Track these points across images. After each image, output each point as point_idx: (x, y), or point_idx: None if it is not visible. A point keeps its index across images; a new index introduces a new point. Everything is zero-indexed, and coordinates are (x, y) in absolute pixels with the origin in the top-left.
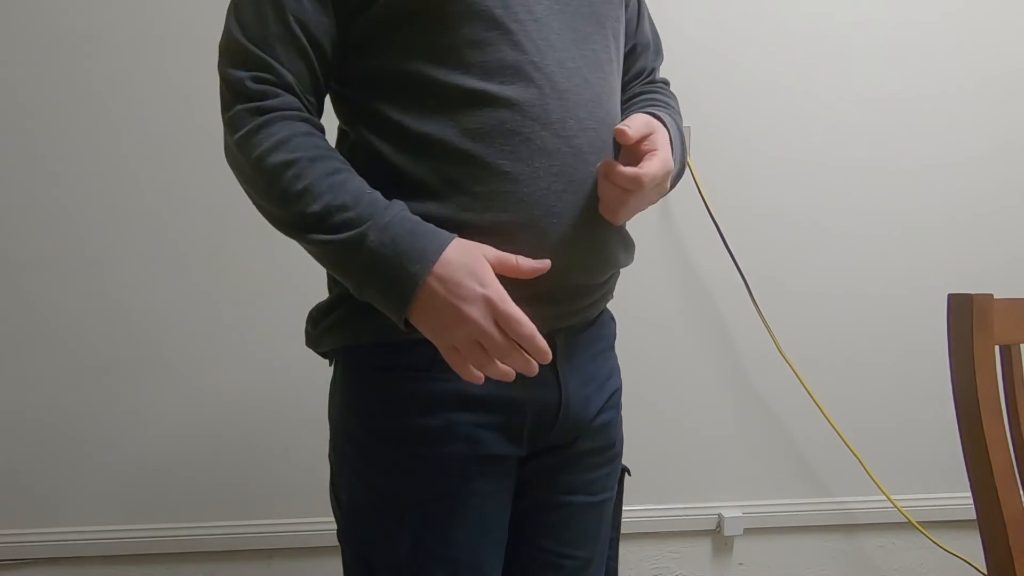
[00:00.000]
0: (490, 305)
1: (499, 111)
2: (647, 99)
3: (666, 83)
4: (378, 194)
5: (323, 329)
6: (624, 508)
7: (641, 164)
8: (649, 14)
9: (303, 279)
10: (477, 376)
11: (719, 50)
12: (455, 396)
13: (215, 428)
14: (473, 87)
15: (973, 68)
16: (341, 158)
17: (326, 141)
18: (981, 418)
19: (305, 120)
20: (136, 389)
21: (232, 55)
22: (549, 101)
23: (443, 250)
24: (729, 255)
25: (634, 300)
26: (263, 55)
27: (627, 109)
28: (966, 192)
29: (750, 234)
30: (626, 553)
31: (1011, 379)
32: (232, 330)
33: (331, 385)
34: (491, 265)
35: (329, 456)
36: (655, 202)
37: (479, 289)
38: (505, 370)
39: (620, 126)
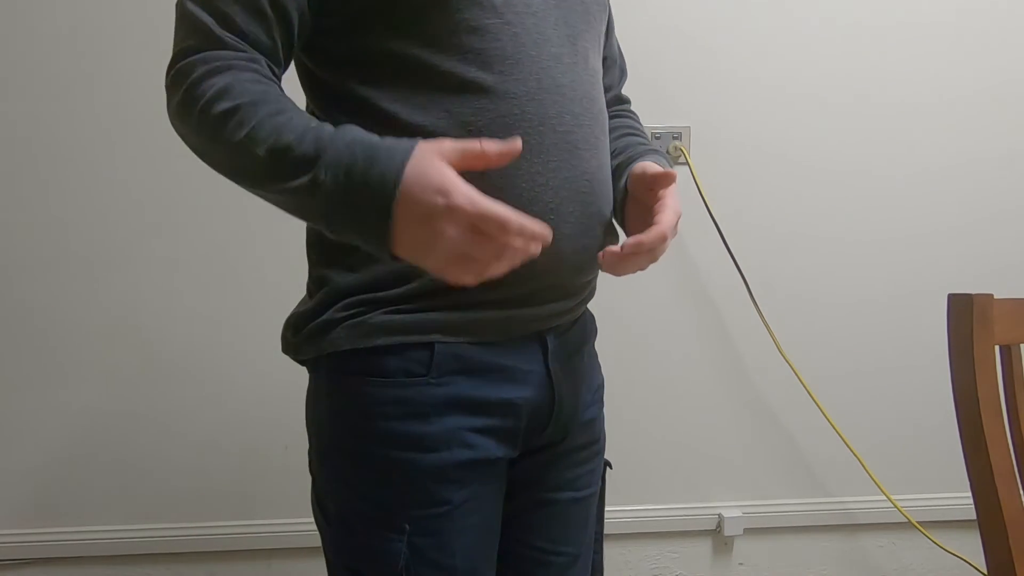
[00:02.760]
0: (460, 213)
1: (497, 103)
2: (634, 139)
3: (629, 101)
4: (325, 125)
5: (306, 335)
6: (624, 508)
7: (656, 219)
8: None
9: (302, 279)
10: (476, 280)
11: (722, 50)
12: (453, 400)
13: (215, 428)
14: (472, 77)
15: (974, 72)
16: (288, 100)
17: (275, 86)
18: (981, 418)
19: (253, 70)
20: (135, 390)
21: (182, 23)
22: (546, 96)
23: (402, 171)
24: (729, 255)
25: (634, 300)
26: (212, 20)
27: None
28: (966, 193)
29: (750, 234)
30: (626, 553)
31: (1011, 379)
32: (231, 330)
33: (310, 394)
34: (455, 163)
35: (310, 467)
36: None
37: (442, 201)
38: (502, 267)
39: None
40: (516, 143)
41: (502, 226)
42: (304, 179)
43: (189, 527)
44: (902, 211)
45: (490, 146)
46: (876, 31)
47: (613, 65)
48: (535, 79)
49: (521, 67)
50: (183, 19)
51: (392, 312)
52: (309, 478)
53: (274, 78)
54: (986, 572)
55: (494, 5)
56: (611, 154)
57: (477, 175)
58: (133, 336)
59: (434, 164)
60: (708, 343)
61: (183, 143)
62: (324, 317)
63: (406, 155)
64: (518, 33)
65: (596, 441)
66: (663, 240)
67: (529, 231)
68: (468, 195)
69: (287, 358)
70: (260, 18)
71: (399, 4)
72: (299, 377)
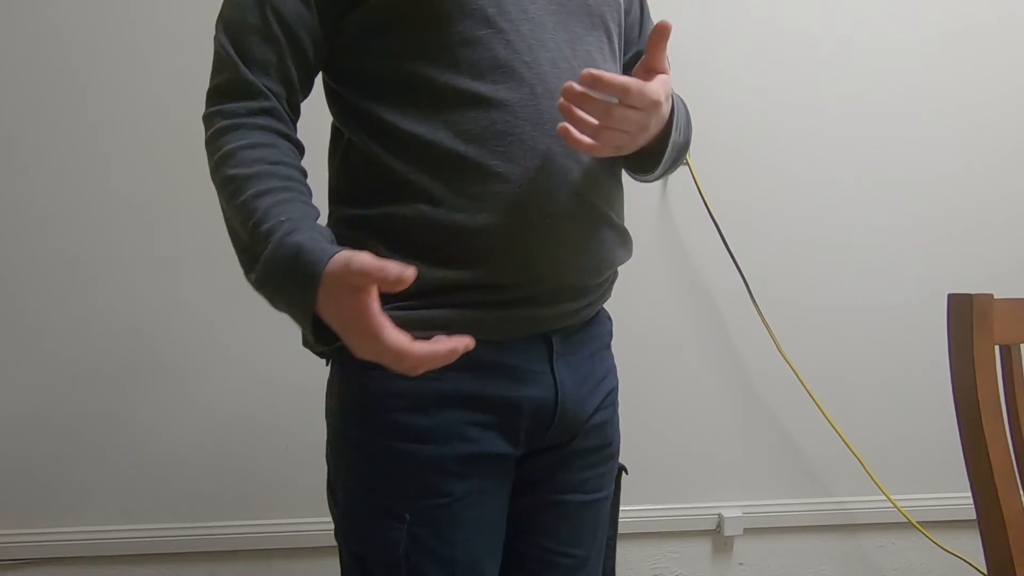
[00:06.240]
0: (374, 353)
1: (491, 111)
2: None
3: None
4: (285, 224)
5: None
6: (624, 508)
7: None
8: (651, 21)
9: None
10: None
11: (722, 52)
12: (452, 395)
13: (215, 428)
14: (465, 87)
15: (972, 78)
16: (281, 166)
17: (273, 147)
18: (981, 418)
19: (260, 127)
20: (136, 389)
21: (215, 55)
22: (541, 101)
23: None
24: (729, 255)
25: (635, 300)
26: (236, 58)
27: None
28: (966, 193)
29: (750, 234)
30: (626, 553)
31: (1011, 379)
32: (231, 330)
33: (327, 385)
34: (358, 282)
35: (326, 456)
36: (636, 145)
37: (356, 341)
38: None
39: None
40: (409, 271)
41: (411, 366)
42: (250, 274)
43: (189, 527)
44: (902, 211)
45: (391, 271)
46: (876, 37)
47: None
48: (528, 86)
49: (514, 75)
50: (215, 51)
51: (395, 309)
52: (309, 478)
53: (282, 121)
54: (986, 572)
55: (486, 16)
56: None
57: (474, 188)
58: (132, 336)
59: (344, 305)
60: (708, 343)
61: (180, 143)
62: None
63: (316, 283)
64: (511, 41)
65: (608, 444)
66: (641, 93)
67: (443, 356)
68: (377, 346)
69: (288, 358)
70: (275, 45)
71: (398, 25)
72: (299, 378)
